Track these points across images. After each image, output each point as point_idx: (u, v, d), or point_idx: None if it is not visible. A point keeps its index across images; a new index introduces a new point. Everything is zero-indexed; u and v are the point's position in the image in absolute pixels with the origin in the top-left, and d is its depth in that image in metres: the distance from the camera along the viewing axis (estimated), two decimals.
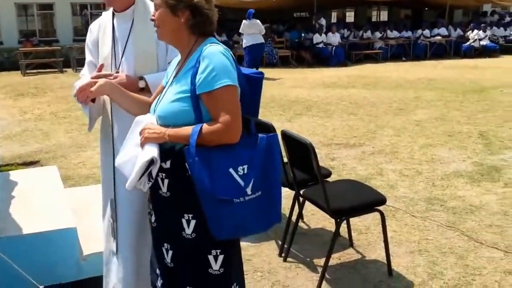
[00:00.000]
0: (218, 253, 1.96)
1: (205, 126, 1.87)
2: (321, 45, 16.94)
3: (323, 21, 18.34)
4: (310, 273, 3.29)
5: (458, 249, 3.58)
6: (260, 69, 14.59)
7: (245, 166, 1.87)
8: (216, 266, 1.97)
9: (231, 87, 1.89)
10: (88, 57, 2.62)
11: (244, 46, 13.05)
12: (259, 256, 3.54)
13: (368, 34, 18.68)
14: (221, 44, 2.01)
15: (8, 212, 3.06)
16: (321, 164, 5.31)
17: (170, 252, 2.02)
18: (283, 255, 3.51)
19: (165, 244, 2.03)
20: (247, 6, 15.13)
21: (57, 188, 3.54)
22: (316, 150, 6.11)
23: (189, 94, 1.91)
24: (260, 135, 1.94)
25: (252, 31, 12.78)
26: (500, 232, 3.82)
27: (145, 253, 2.46)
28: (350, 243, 3.67)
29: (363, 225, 3.96)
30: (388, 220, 4.03)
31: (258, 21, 12.80)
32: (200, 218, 1.91)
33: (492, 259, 3.42)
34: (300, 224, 4.05)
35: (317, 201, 3.17)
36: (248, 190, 1.87)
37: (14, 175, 3.86)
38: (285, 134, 3.26)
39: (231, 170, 1.85)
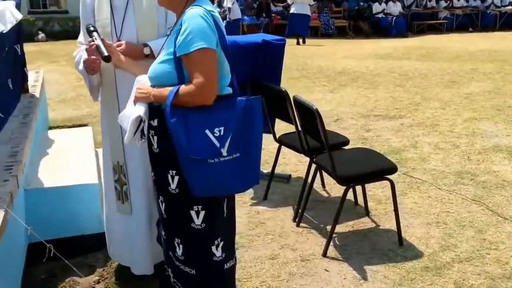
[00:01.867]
0: (200, 209, 2.06)
1: (181, 88, 1.94)
2: (380, 15, 16.48)
3: None
4: (321, 239, 3.31)
5: (479, 223, 3.48)
6: (317, 40, 14.47)
7: (222, 128, 1.92)
8: (198, 221, 2.07)
9: (206, 50, 1.91)
10: (83, 27, 2.57)
11: (290, 13, 13.72)
12: (273, 220, 3.59)
13: (433, 3, 17.94)
14: (209, 5, 2.03)
15: (40, 166, 3.35)
16: (354, 135, 5.33)
17: (163, 205, 2.15)
18: (297, 220, 3.55)
19: (160, 197, 2.16)
20: None
21: (87, 148, 3.77)
22: (353, 121, 6.07)
23: (172, 56, 1.98)
24: (239, 98, 1.98)
25: (301, 0, 13.23)
26: None
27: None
28: (366, 212, 3.65)
29: (384, 195, 3.91)
30: (411, 192, 3.99)
31: None
32: (182, 175, 2.00)
33: None
34: (321, 192, 4.07)
35: (326, 167, 3.17)
36: (224, 151, 1.92)
37: (53, 134, 4.15)
38: (296, 100, 3.26)
39: (207, 131, 1.91)
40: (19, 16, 3.98)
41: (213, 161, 1.92)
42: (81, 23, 2.63)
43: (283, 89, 3.54)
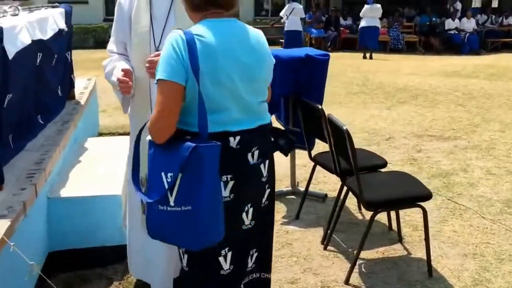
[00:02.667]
0: (183, 251, 1.93)
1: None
2: (453, 31, 15.90)
3: (458, 5, 17.12)
4: (346, 264, 3.20)
5: None
6: (384, 55, 14.18)
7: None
8: (184, 262, 1.95)
9: (163, 82, 1.72)
10: (118, 35, 2.52)
11: (359, 27, 14.14)
12: (301, 241, 3.52)
13: (509, 20, 17.09)
14: (204, 27, 1.82)
15: (69, 175, 3.37)
16: (404, 155, 5.16)
17: None
18: (325, 243, 3.46)
19: None
20: None
21: (122, 157, 3.76)
22: (405, 141, 5.87)
23: None
24: (188, 143, 1.69)
25: (371, 15, 13.42)
26: None
27: None
28: (399, 239, 3.50)
29: (422, 221, 3.71)
30: (452, 219, 3.80)
31: (379, 5, 13.35)
32: None
33: None
34: (356, 214, 3.95)
35: (355, 190, 3.07)
36: (171, 201, 1.69)
37: (92, 142, 4.21)
38: (329, 119, 3.19)
39: (162, 174, 1.71)
40: (62, 25, 4.02)
41: (162, 208, 1.71)
42: (114, 30, 2.55)
43: (320, 107, 3.47)
